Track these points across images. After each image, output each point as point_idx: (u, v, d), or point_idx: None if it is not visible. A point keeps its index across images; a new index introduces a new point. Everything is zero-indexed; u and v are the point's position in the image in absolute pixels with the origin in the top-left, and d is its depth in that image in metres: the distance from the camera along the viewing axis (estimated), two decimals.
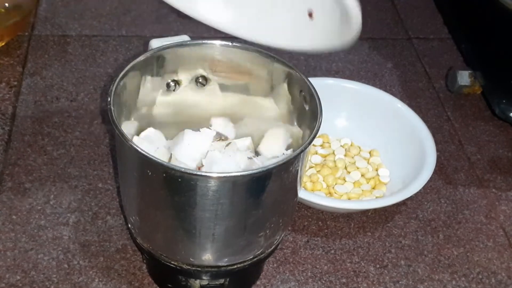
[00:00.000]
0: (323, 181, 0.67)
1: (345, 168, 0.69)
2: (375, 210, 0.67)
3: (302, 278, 0.61)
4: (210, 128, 0.56)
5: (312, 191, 0.66)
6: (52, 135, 0.71)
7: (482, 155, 0.76)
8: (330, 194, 0.67)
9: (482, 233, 0.67)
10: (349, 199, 0.66)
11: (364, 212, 0.67)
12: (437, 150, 0.67)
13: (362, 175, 0.69)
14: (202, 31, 0.67)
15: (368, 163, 0.70)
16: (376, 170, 0.69)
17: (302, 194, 0.61)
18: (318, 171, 0.68)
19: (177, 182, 0.46)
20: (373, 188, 0.68)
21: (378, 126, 0.72)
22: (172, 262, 0.53)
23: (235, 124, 0.58)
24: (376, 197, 0.66)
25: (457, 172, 0.73)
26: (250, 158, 0.53)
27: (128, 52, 0.82)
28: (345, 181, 0.68)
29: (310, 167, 0.69)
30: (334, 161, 0.69)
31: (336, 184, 0.67)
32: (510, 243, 0.67)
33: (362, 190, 0.67)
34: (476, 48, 0.84)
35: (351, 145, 0.72)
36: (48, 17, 0.86)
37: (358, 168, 0.69)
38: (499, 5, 0.77)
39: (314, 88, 0.52)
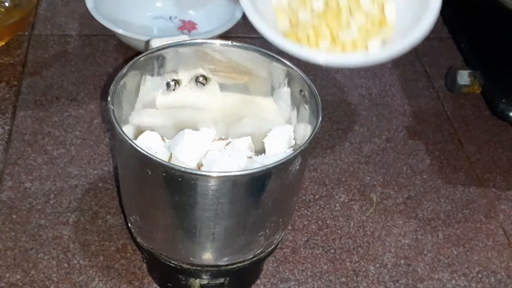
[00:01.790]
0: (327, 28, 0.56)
1: (349, 10, 0.58)
2: (375, 210, 0.67)
3: (302, 277, 0.61)
4: (210, 128, 0.56)
5: (316, 44, 0.55)
6: (52, 135, 0.71)
7: (482, 154, 0.76)
8: (335, 42, 0.56)
9: (482, 232, 0.67)
10: (355, 47, 0.56)
11: (364, 212, 0.67)
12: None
13: (367, 16, 0.57)
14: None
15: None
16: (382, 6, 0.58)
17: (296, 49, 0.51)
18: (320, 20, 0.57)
19: (177, 182, 0.47)
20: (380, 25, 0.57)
21: None
22: (172, 262, 0.53)
23: (235, 124, 0.59)
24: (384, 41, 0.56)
25: (457, 172, 0.73)
26: (250, 157, 0.53)
27: (128, 52, 0.82)
28: (349, 27, 0.57)
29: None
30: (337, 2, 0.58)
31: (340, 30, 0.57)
32: (510, 242, 0.67)
33: (367, 31, 0.56)
34: (475, 47, 0.84)
35: None
36: (48, 16, 0.86)
37: (361, 7, 0.58)
38: (499, 4, 0.77)
39: (314, 87, 0.52)
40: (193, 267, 0.53)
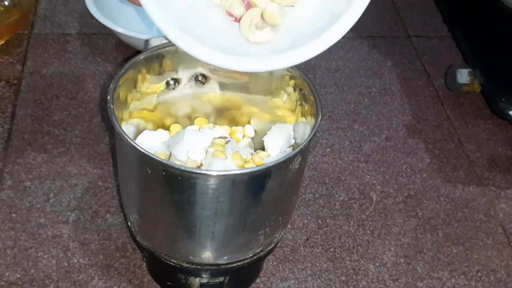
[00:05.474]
0: None
1: None
2: (375, 208, 0.68)
3: (302, 276, 0.61)
4: (209, 127, 0.56)
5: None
6: (51, 134, 0.71)
7: (481, 153, 0.76)
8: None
9: (481, 231, 0.67)
10: None
11: (363, 211, 0.67)
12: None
13: None
14: None
15: None
16: None
17: None
18: None
19: (176, 181, 0.47)
20: None
21: None
22: (172, 260, 0.53)
23: (235, 123, 0.59)
24: None
25: (456, 170, 0.73)
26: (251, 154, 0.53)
27: (128, 51, 0.82)
28: None
29: None
30: None
31: None
32: (509, 241, 0.67)
33: None
34: (475, 46, 0.84)
35: None
36: (48, 15, 0.86)
37: None
38: (498, 3, 0.78)
39: (313, 86, 0.52)
40: (193, 266, 0.53)
